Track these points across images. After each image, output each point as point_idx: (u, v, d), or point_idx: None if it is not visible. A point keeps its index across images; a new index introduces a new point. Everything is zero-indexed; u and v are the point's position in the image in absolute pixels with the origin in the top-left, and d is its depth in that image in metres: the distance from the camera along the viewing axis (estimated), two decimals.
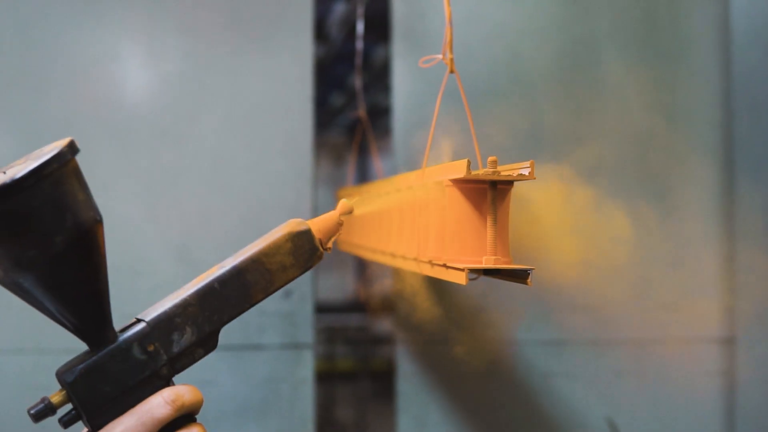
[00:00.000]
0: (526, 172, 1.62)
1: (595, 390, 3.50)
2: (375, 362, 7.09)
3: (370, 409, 7.35)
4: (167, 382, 1.31)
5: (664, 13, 3.52)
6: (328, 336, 7.99)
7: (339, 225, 1.43)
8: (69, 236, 1.16)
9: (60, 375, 1.27)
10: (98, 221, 1.23)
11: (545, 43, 3.48)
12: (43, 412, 1.24)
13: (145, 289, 3.37)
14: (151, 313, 1.32)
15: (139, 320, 1.31)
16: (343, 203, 1.45)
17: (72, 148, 1.18)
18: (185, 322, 1.31)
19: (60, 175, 1.15)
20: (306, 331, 3.44)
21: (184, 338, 1.31)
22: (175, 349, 1.31)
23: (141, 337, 1.29)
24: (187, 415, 1.30)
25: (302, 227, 1.39)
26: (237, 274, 1.35)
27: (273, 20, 3.46)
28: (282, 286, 1.38)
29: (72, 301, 1.23)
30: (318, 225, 1.41)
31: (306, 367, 3.44)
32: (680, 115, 3.49)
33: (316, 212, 3.45)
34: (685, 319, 3.46)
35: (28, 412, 1.25)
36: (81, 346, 1.32)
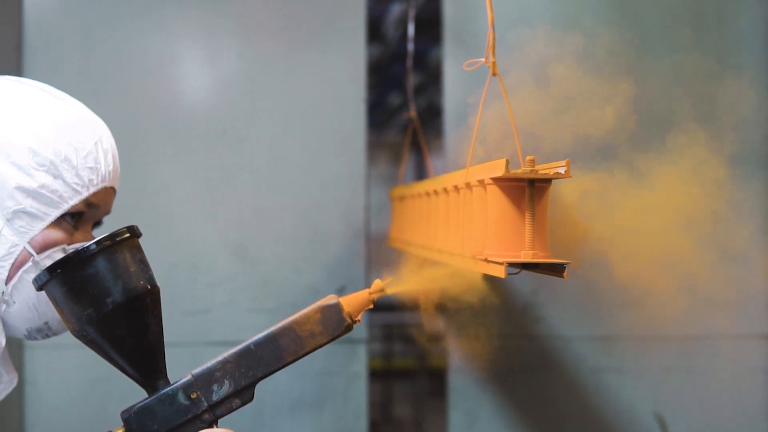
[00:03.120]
0: (562, 170, 1.69)
1: (644, 385, 3.52)
2: (432, 360, 7.12)
3: (426, 407, 7.39)
4: (209, 426, 1.56)
5: (712, 14, 3.54)
6: (384, 334, 8.02)
7: (370, 302, 1.64)
8: (118, 299, 1.48)
9: (122, 413, 1.54)
10: (149, 289, 1.53)
11: (593, 43, 3.51)
12: None
13: (203, 285, 3.45)
14: (199, 368, 1.57)
15: (189, 374, 1.57)
16: (376, 283, 1.65)
17: (131, 231, 1.53)
18: (224, 376, 1.55)
19: (113, 251, 1.48)
20: (360, 326, 3.50)
21: (222, 389, 1.55)
22: (215, 397, 1.55)
23: (186, 386, 1.55)
24: None
25: (332, 301, 1.60)
26: (271, 338, 1.58)
27: (327, 21, 3.53)
28: (311, 352, 1.59)
29: (127, 352, 1.53)
30: (349, 300, 1.61)
31: (359, 361, 3.51)
32: (727, 114, 3.51)
33: (369, 211, 3.52)
34: (732, 315, 3.47)
35: None
36: None
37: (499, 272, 1.73)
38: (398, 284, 1.73)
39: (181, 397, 1.54)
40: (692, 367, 3.53)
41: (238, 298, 3.46)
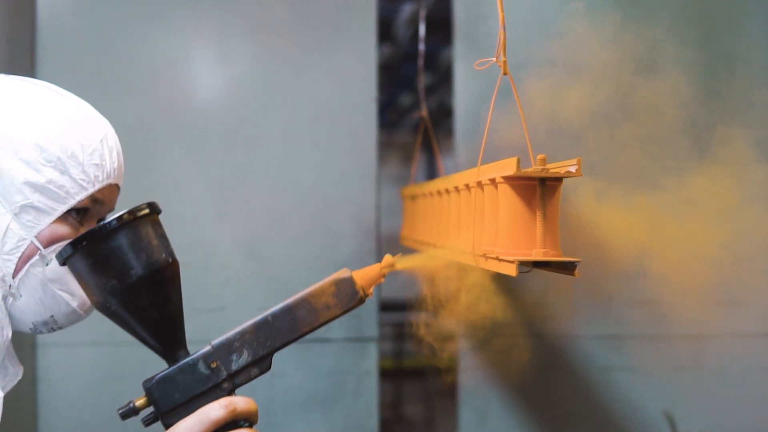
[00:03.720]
0: (573, 169, 1.70)
1: (653, 384, 3.53)
2: (442, 359, 7.13)
3: (437, 406, 7.41)
4: (228, 394, 1.60)
5: (722, 15, 3.54)
6: (395, 333, 8.04)
7: (381, 276, 1.69)
8: (141, 271, 1.54)
9: (143, 383, 1.58)
10: (170, 262, 1.59)
11: (604, 44, 3.52)
12: (128, 412, 1.58)
13: (215, 284, 3.47)
14: (218, 338, 1.61)
15: (209, 344, 1.61)
16: (386, 258, 1.70)
17: (151, 207, 1.62)
18: (242, 346, 1.61)
19: (135, 225, 1.55)
20: (371, 325, 3.52)
21: (241, 359, 1.60)
22: (234, 367, 1.60)
23: (206, 356, 1.60)
24: (244, 422, 1.58)
25: (345, 275, 1.66)
26: (288, 310, 1.63)
27: (338, 22, 3.54)
28: (326, 323, 1.65)
29: (148, 323, 1.57)
30: (361, 274, 1.67)
31: (370, 360, 3.53)
32: (739, 114, 3.51)
33: (380, 210, 3.53)
34: (742, 314, 3.48)
35: (117, 411, 1.58)
36: None
37: (510, 270, 1.74)
38: (407, 260, 1.77)
39: (202, 367, 1.58)
40: (702, 365, 3.54)
41: (250, 297, 3.48)
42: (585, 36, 3.24)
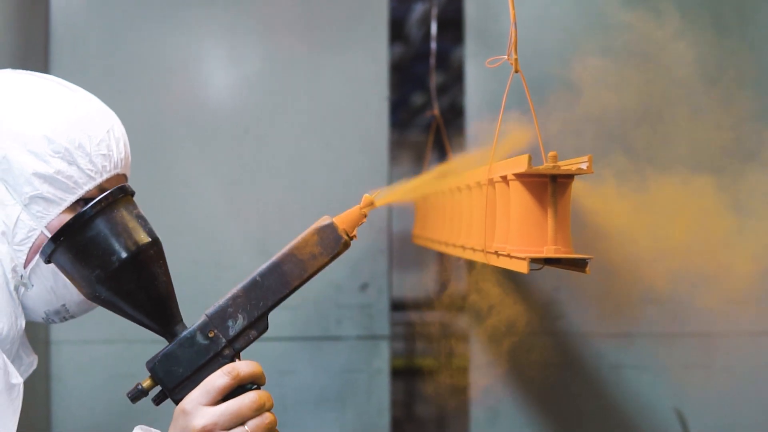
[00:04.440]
0: (584, 166, 1.71)
1: (664, 382, 3.53)
2: (456, 359, 7.13)
3: (449, 406, 7.40)
4: (231, 360, 1.61)
5: (732, 14, 3.55)
6: (408, 332, 8.03)
7: (362, 216, 1.69)
8: (124, 254, 1.56)
9: (147, 363, 1.60)
10: (150, 242, 1.60)
11: (612, 42, 3.52)
12: (137, 394, 1.60)
13: (227, 282, 3.46)
14: (211, 307, 1.62)
15: (203, 315, 1.62)
16: (365, 197, 1.69)
17: (122, 189, 1.62)
18: (237, 311, 1.61)
19: (110, 210, 1.58)
20: (382, 323, 3.53)
21: (237, 323, 1.60)
22: (231, 332, 1.60)
23: (202, 326, 1.60)
24: (251, 385, 1.60)
25: (326, 222, 1.65)
26: (275, 267, 1.63)
27: (349, 22, 3.55)
28: (315, 273, 1.65)
29: (140, 305, 1.59)
30: (342, 218, 1.67)
31: (382, 357, 3.54)
32: (748, 112, 3.51)
33: (390, 207, 3.54)
34: (752, 313, 3.48)
35: (126, 395, 1.60)
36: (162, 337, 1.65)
37: (522, 267, 1.75)
38: (386, 196, 1.77)
39: (200, 338, 1.60)
40: (712, 363, 3.54)
41: None
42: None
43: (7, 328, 1.65)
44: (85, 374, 3.45)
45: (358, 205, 1.68)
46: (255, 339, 1.63)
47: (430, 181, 2.21)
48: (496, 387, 3.54)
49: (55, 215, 1.67)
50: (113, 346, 3.45)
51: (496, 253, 1.95)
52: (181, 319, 1.64)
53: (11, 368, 1.60)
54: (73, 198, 1.67)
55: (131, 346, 3.43)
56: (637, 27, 3.18)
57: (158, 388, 1.62)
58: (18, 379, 1.61)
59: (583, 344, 3.54)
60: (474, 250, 2.23)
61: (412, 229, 3.53)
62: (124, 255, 1.56)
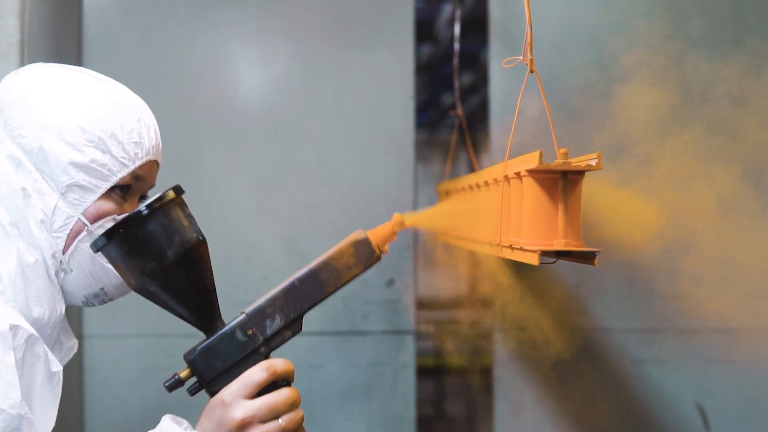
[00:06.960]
0: (593, 162, 1.77)
1: (686, 377, 3.55)
2: (482, 356, 7.15)
3: (475, 403, 7.43)
4: (266, 357, 1.71)
5: (754, 13, 3.56)
6: (437, 331, 8.05)
7: (393, 234, 1.85)
8: (177, 251, 1.62)
9: (185, 355, 1.69)
10: (201, 240, 1.68)
11: (635, 42, 3.55)
12: (174, 384, 1.68)
13: (256, 278, 3.54)
14: (251, 306, 1.72)
15: (242, 313, 1.71)
16: (395, 216, 1.86)
17: (175, 190, 1.67)
18: (275, 312, 1.72)
19: (166, 209, 1.63)
20: (407, 318, 3.58)
21: (274, 323, 1.71)
22: (269, 332, 1.71)
23: (242, 324, 1.70)
24: (283, 381, 1.69)
25: (362, 236, 1.80)
26: (313, 273, 1.75)
27: (376, 22, 3.60)
28: (349, 281, 1.78)
29: (186, 299, 1.66)
30: (375, 233, 1.82)
31: (407, 352, 3.59)
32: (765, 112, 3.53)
33: (416, 206, 3.59)
34: None
35: (164, 384, 1.68)
36: (193, 331, 1.77)
37: (533, 260, 1.81)
38: (415, 217, 1.89)
39: (239, 335, 1.69)
40: (734, 358, 3.55)
41: None
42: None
43: (48, 313, 1.74)
44: (117, 367, 3.52)
45: (390, 222, 1.84)
46: (289, 339, 1.74)
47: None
48: (519, 381, 3.57)
49: (91, 202, 1.75)
50: (145, 340, 3.52)
51: (509, 246, 2.01)
52: (221, 316, 1.72)
53: (51, 356, 1.67)
54: (107, 185, 1.75)
55: (162, 340, 3.50)
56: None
57: (193, 380, 1.71)
58: (58, 367, 1.68)
59: (606, 339, 3.57)
60: (490, 244, 2.28)
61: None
62: (178, 251, 1.62)
